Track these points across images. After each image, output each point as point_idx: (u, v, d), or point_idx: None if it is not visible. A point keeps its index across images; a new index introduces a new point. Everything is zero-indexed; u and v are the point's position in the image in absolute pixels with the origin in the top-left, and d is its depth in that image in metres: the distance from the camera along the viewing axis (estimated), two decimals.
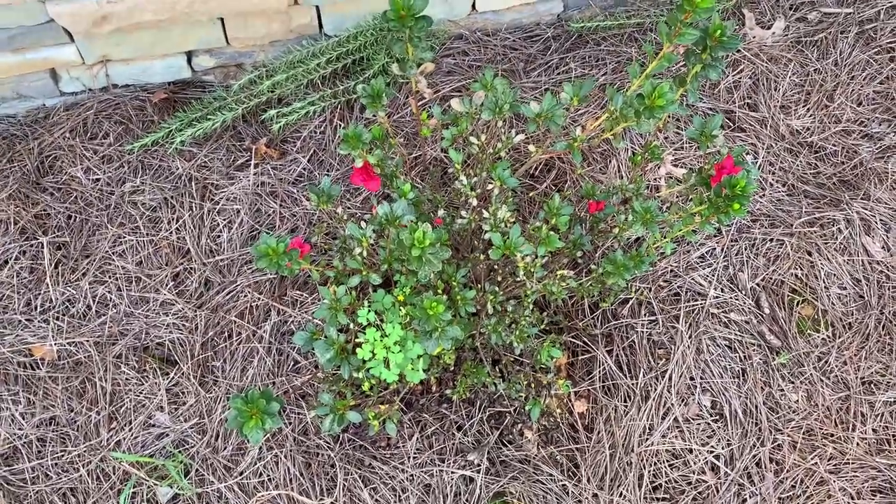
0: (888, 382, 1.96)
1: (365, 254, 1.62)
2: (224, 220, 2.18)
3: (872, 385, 1.96)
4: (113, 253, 2.16)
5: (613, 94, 1.61)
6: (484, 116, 1.69)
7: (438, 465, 1.86)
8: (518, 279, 1.69)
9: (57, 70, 2.32)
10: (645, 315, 1.98)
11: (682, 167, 2.19)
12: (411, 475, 1.85)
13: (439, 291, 1.66)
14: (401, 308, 1.62)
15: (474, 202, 1.69)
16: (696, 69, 1.59)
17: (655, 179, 2.16)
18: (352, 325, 1.61)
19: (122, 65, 2.34)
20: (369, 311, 1.61)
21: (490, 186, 1.69)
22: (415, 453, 1.87)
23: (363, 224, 1.60)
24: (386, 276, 1.68)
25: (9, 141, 2.32)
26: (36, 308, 2.09)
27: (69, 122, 2.34)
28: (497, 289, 1.72)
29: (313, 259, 2.01)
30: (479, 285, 1.79)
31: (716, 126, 1.67)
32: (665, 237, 1.75)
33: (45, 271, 2.13)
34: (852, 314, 2.02)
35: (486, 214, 1.63)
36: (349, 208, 2.17)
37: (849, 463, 1.87)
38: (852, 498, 1.83)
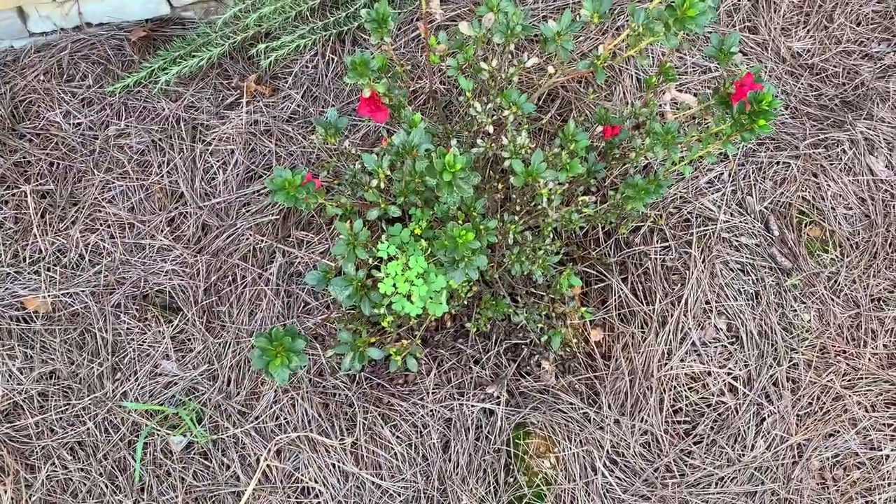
0: None
1: (382, 186, 1.56)
2: (218, 161, 2.09)
3: (881, 302, 1.98)
4: (102, 199, 2.06)
5: (634, 10, 1.56)
6: (496, 39, 1.63)
7: (458, 400, 1.83)
8: (537, 207, 1.65)
9: (24, 8, 2.18)
10: (657, 242, 1.96)
11: (687, 92, 2.16)
12: (431, 410, 1.82)
13: (460, 222, 1.62)
14: (420, 241, 1.57)
15: (490, 129, 1.64)
16: None
17: (660, 106, 2.12)
18: (370, 260, 1.56)
19: (94, 2, 2.21)
20: (389, 244, 1.55)
21: (505, 113, 1.63)
22: (434, 389, 1.84)
23: (376, 156, 1.54)
24: (402, 210, 1.63)
25: None
26: (24, 259, 1.99)
27: (42, 65, 2.21)
28: (516, 218, 1.68)
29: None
30: (497, 215, 1.75)
31: (734, 43, 1.63)
32: (682, 160, 1.72)
33: (31, 221, 2.02)
34: (859, 233, 2.03)
35: (504, 141, 1.58)
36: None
37: (862, 378, 1.89)
38: (867, 411, 1.87)
